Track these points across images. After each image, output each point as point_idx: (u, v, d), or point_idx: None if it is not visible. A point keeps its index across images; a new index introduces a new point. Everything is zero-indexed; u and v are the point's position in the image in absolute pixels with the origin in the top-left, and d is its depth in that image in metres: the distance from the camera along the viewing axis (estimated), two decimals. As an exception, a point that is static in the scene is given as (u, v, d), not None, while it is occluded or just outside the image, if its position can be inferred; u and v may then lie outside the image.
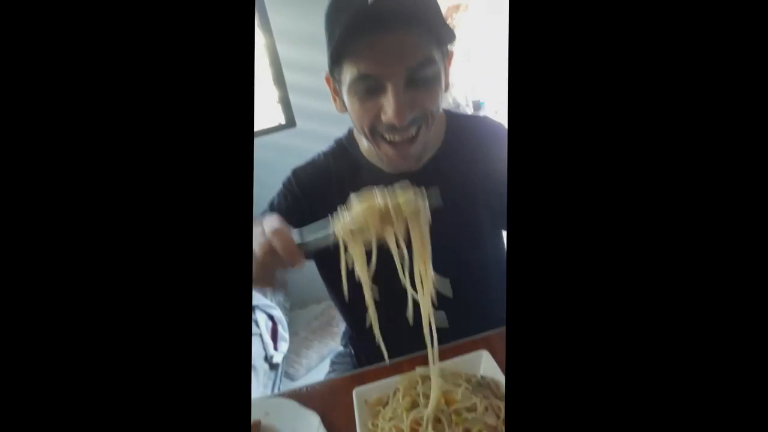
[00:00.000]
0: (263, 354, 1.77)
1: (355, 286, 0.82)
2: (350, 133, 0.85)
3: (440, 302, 0.79)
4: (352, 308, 0.91)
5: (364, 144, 0.80)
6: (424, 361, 0.59)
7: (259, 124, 2.19)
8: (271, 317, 1.90)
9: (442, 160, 0.79)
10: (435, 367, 0.57)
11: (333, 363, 0.99)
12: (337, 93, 0.73)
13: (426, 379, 0.63)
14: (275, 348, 1.84)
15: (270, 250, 0.55)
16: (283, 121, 2.24)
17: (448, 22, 0.73)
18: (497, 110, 3.28)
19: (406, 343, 0.67)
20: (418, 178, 0.76)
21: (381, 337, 0.60)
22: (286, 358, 1.95)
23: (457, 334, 0.74)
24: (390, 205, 0.53)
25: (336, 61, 0.67)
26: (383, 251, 0.79)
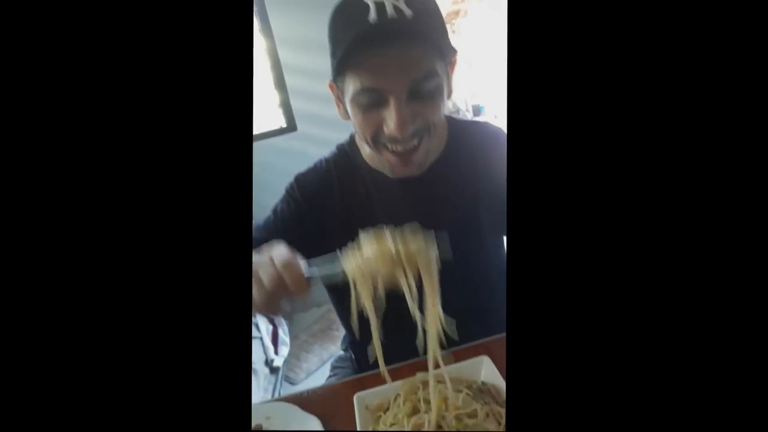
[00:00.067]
0: (264, 358, 1.77)
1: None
2: (352, 138, 0.85)
3: (443, 304, 0.79)
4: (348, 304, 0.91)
5: (366, 150, 0.80)
6: (425, 367, 0.59)
7: (260, 128, 2.20)
8: (271, 321, 1.90)
9: (444, 165, 0.79)
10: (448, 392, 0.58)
11: (334, 367, 0.99)
12: (340, 100, 0.73)
13: (427, 384, 0.63)
14: (276, 352, 1.84)
15: (279, 282, 0.56)
16: (284, 125, 2.24)
17: (447, 27, 0.73)
18: (497, 115, 3.28)
19: (406, 349, 0.67)
20: (421, 183, 0.76)
21: (385, 369, 0.60)
22: (286, 362, 1.95)
23: (460, 340, 0.74)
24: (402, 253, 0.55)
25: (339, 71, 0.67)
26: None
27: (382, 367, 0.59)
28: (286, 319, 2.04)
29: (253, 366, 1.67)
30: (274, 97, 2.20)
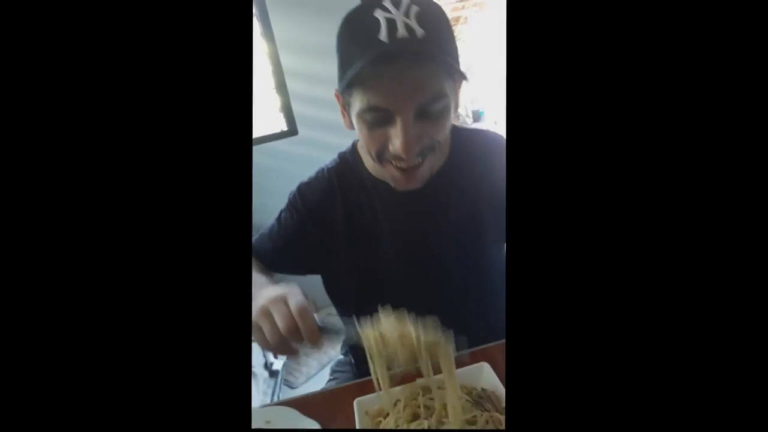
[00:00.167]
0: (263, 361, 1.77)
1: (350, 289, 0.83)
2: (354, 146, 0.85)
3: (441, 315, 0.79)
4: (349, 310, 0.91)
5: (368, 159, 0.80)
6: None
7: (261, 131, 2.20)
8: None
9: (446, 174, 0.79)
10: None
11: (333, 371, 0.99)
12: (345, 110, 0.73)
13: (427, 390, 0.63)
14: (275, 355, 1.83)
15: (293, 328, 0.57)
16: (285, 128, 2.25)
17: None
18: (497, 120, 3.30)
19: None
20: (423, 193, 0.76)
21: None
22: (285, 365, 1.95)
23: (460, 346, 0.74)
24: (421, 342, 0.56)
25: (346, 86, 0.66)
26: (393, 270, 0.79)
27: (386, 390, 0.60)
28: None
29: (252, 369, 1.66)
30: (276, 100, 2.21)
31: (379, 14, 0.62)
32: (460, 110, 3.01)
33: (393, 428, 0.60)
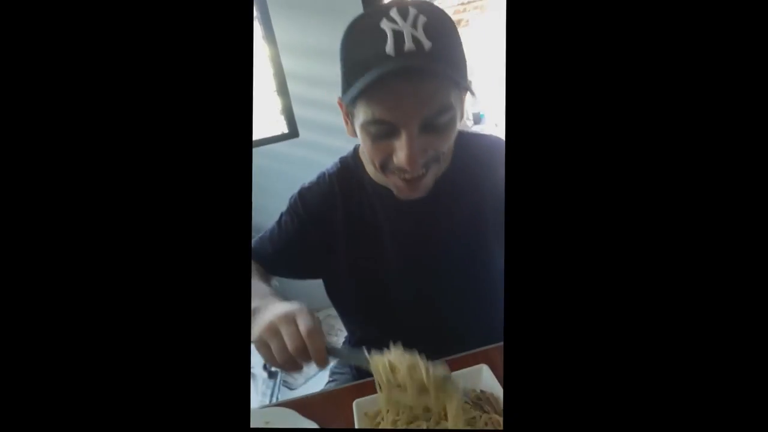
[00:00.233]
0: (262, 362, 1.77)
1: (351, 294, 0.83)
2: (355, 151, 0.84)
3: (442, 318, 0.79)
4: (352, 316, 0.92)
5: (371, 166, 0.80)
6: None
7: (262, 133, 2.21)
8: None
9: (449, 181, 0.78)
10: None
11: (333, 373, 0.99)
12: (348, 119, 0.72)
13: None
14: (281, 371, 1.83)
15: (302, 349, 0.58)
16: (286, 131, 2.25)
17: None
18: (497, 123, 3.30)
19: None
20: (426, 199, 0.75)
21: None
22: (284, 367, 1.94)
23: (460, 348, 0.75)
24: (431, 379, 0.57)
25: (350, 97, 0.64)
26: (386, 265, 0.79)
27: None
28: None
29: (251, 370, 1.66)
30: (277, 103, 2.21)
31: (385, 25, 0.60)
32: (461, 112, 3.01)
33: (392, 428, 0.60)
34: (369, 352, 0.60)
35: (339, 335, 2.06)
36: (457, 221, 0.80)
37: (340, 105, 0.72)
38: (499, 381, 0.64)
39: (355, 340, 0.95)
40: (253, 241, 0.88)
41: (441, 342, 0.76)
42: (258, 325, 0.61)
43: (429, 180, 0.71)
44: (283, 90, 2.18)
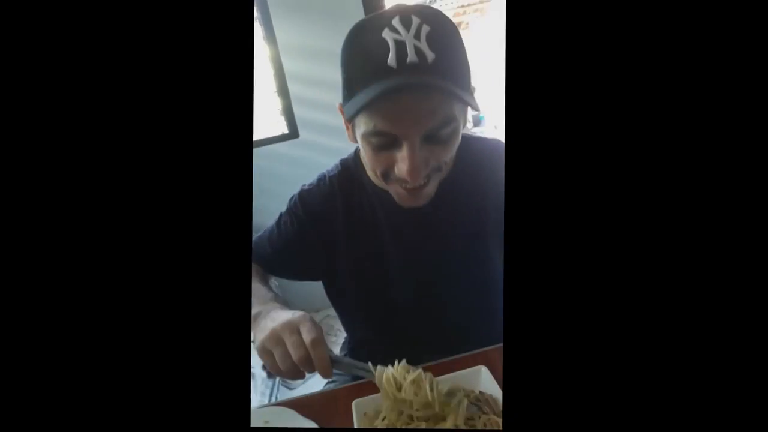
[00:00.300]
0: (261, 362, 1.76)
1: (351, 296, 0.83)
2: (356, 154, 0.84)
3: (443, 320, 0.79)
4: (352, 318, 0.92)
5: (371, 171, 0.79)
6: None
7: (262, 134, 2.21)
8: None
9: (450, 185, 0.78)
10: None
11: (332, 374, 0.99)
12: (349, 124, 0.71)
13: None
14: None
15: (306, 359, 0.58)
16: (286, 131, 2.26)
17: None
18: (497, 125, 3.30)
19: (403, 356, 0.67)
20: (429, 201, 0.75)
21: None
22: (283, 367, 1.94)
23: (460, 350, 0.75)
24: (435, 394, 0.57)
25: (351, 111, 0.63)
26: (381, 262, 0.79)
27: None
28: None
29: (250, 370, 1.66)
30: (277, 103, 2.22)
31: (387, 35, 0.58)
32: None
33: (391, 428, 0.60)
34: (373, 364, 0.60)
35: (338, 335, 2.06)
36: (458, 225, 0.80)
37: (341, 111, 0.70)
38: (498, 382, 0.64)
39: (355, 341, 0.95)
40: (252, 240, 0.88)
41: (441, 344, 0.76)
42: (260, 332, 0.61)
43: (431, 188, 0.70)
44: (283, 90, 2.19)
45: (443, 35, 0.60)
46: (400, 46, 0.58)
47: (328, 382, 0.97)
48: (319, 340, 0.59)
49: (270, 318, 0.62)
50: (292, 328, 0.60)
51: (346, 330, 0.97)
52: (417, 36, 0.58)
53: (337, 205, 0.81)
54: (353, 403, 0.65)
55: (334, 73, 0.69)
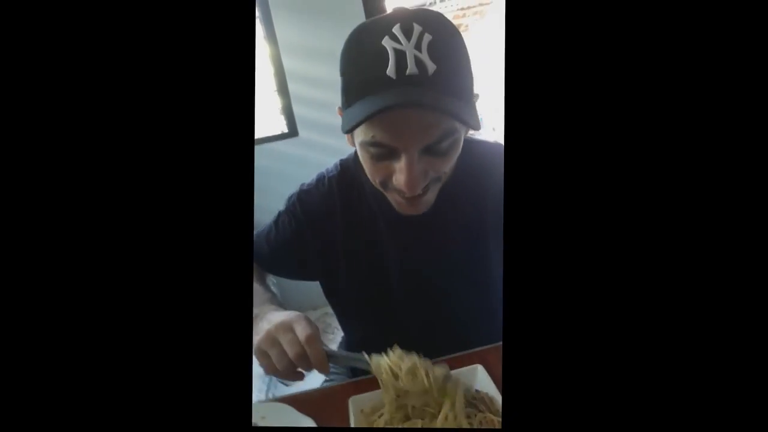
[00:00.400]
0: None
1: (350, 298, 0.84)
2: (356, 155, 0.82)
3: (442, 322, 0.79)
4: (350, 318, 0.92)
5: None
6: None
7: (261, 132, 2.22)
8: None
9: (451, 188, 0.77)
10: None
11: (329, 372, 0.99)
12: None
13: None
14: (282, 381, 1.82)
15: (302, 356, 0.59)
16: (285, 130, 2.26)
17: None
18: (495, 127, 3.30)
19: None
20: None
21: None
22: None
23: (456, 350, 0.75)
24: (431, 379, 0.58)
25: (349, 125, 0.61)
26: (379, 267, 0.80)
27: None
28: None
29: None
30: (277, 102, 2.22)
31: (387, 43, 0.57)
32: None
33: (389, 427, 0.60)
34: (368, 355, 0.61)
35: (335, 333, 2.06)
36: (457, 227, 0.79)
37: (341, 114, 0.68)
38: (494, 381, 0.65)
39: (352, 340, 0.96)
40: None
41: (438, 344, 0.76)
42: (256, 335, 0.61)
43: (430, 197, 0.69)
44: (283, 89, 2.19)
45: (445, 44, 0.59)
46: (400, 56, 0.56)
47: (326, 380, 0.98)
48: (314, 336, 0.60)
49: (266, 320, 0.62)
50: (287, 327, 0.60)
51: (343, 329, 0.97)
52: (418, 46, 0.56)
53: (336, 207, 0.81)
54: (350, 399, 0.65)
55: (333, 72, 0.68)
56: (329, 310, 0.93)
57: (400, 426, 0.60)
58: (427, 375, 0.58)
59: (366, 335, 0.90)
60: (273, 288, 0.85)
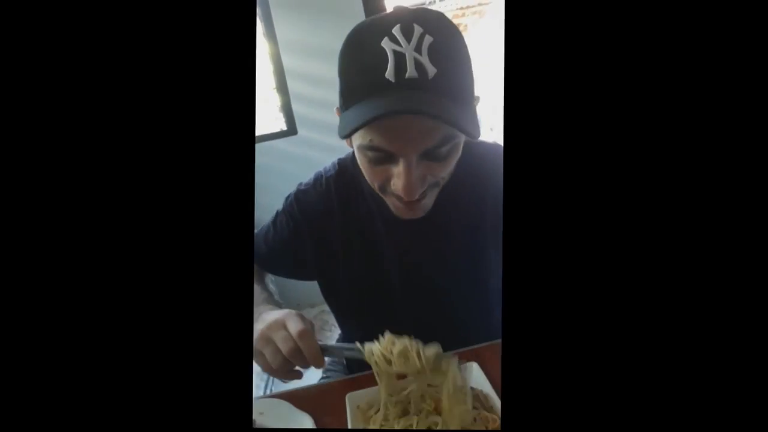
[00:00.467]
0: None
1: (348, 297, 0.84)
2: (354, 155, 0.81)
3: (440, 323, 0.80)
4: (348, 317, 0.93)
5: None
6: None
7: (260, 130, 2.22)
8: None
9: (450, 190, 0.75)
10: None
11: (326, 369, 1.00)
12: None
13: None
14: (281, 380, 1.82)
15: (297, 352, 0.59)
16: (284, 128, 2.26)
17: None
18: (492, 127, 3.31)
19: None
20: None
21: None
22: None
23: (454, 347, 0.76)
24: (423, 359, 0.58)
25: (346, 131, 0.60)
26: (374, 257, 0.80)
27: None
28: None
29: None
30: (276, 100, 2.22)
31: (387, 45, 0.55)
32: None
33: (389, 428, 0.61)
34: (361, 344, 0.61)
35: (333, 330, 2.07)
36: (456, 228, 0.79)
37: (338, 114, 0.67)
38: (489, 379, 0.66)
39: (351, 339, 0.96)
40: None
41: (438, 344, 0.77)
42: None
43: (428, 201, 0.69)
44: (282, 87, 2.19)
45: (447, 47, 0.57)
46: (400, 58, 0.55)
47: (322, 378, 0.99)
48: (307, 331, 0.60)
49: (260, 320, 0.63)
50: (279, 324, 0.61)
51: (341, 327, 0.98)
52: (418, 48, 0.55)
53: (334, 206, 0.80)
54: (347, 395, 0.66)
55: (333, 70, 0.68)
56: (327, 307, 0.94)
57: (396, 421, 0.61)
58: (418, 355, 0.58)
59: (364, 334, 0.90)
60: (272, 286, 0.86)
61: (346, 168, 0.82)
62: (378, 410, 0.65)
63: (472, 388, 0.66)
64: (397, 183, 0.62)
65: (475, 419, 0.61)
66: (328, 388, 0.78)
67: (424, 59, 0.55)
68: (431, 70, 0.55)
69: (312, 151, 2.14)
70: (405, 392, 0.63)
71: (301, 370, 0.65)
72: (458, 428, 0.58)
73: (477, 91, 0.65)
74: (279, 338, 0.60)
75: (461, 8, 3.40)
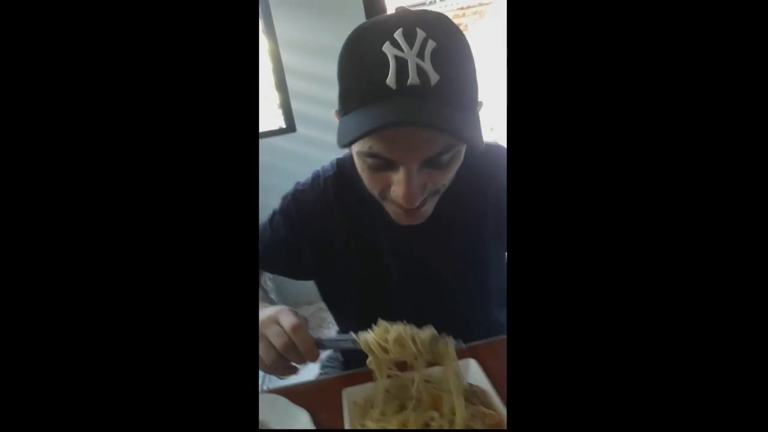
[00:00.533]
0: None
1: (346, 297, 0.84)
2: (353, 156, 0.82)
3: (439, 317, 0.80)
4: (346, 317, 0.92)
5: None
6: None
7: (259, 127, 2.22)
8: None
9: (451, 193, 0.74)
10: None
11: (324, 366, 1.00)
12: None
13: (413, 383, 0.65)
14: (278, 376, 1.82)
15: (290, 346, 0.59)
16: (283, 125, 2.26)
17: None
18: (492, 127, 3.32)
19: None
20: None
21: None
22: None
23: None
24: (419, 343, 0.58)
25: (345, 141, 0.58)
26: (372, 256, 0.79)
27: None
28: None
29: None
30: (275, 97, 2.22)
31: (388, 50, 0.53)
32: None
33: (388, 429, 0.61)
34: (356, 334, 0.61)
35: (330, 328, 2.07)
36: (456, 229, 0.79)
37: (337, 117, 0.66)
38: (487, 376, 0.65)
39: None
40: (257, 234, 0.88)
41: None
42: None
43: (428, 208, 0.67)
44: (281, 85, 2.19)
45: (450, 52, 0.55)
46: (401, 64, 0.53)
47: (320, 373, 0.98)
48: (300, 325, 0.59)
49: None
50: (272, 320, 0.60)
51: (339, 326, 0.98)
52: (421, 54, 0.53)
53: (332, 207, 0.79)
54: (343, 391, 0.66)
55: (332, 68, 0.67)
56: (324, 305, 0.94)
57: (393, 417, 0.61)
58: (414, 341, 0.57)
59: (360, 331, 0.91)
60: (269, 283, 0.85)
61: (344, 169, 0.81)
62: (374, 406, 0.64)
63: (470, 385, 0.66)
64: (397, 191, 0.60)
65: (473, 415, 0.60)
66: (325, 384, 0.77)
67: (427, 65, 0.53)
68: (434, 77, 0.53)
69: (310, 148, 2.14)
70: (410, 383, 0.63)
71: (297, 366, 0.65)
72: (461, 421, 0.58)
73: (481, 97, 0.63)
74: (272, 333, 0.60)
75: (461, 8, 3.41)
